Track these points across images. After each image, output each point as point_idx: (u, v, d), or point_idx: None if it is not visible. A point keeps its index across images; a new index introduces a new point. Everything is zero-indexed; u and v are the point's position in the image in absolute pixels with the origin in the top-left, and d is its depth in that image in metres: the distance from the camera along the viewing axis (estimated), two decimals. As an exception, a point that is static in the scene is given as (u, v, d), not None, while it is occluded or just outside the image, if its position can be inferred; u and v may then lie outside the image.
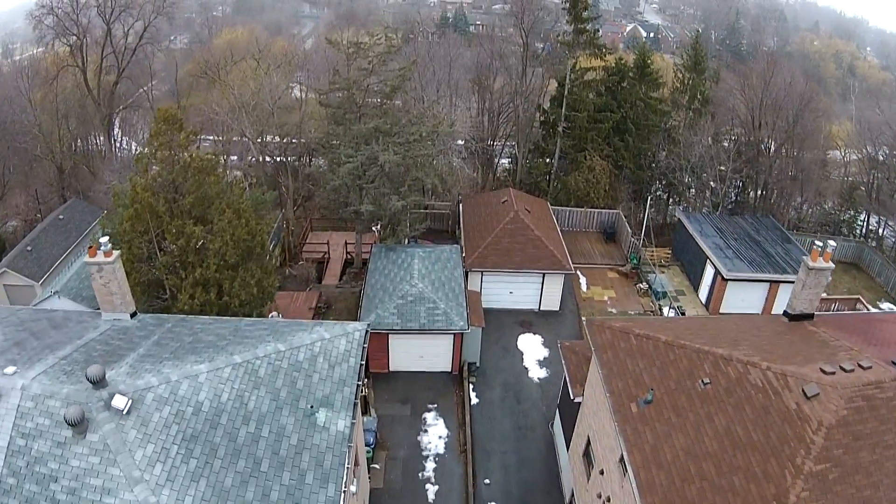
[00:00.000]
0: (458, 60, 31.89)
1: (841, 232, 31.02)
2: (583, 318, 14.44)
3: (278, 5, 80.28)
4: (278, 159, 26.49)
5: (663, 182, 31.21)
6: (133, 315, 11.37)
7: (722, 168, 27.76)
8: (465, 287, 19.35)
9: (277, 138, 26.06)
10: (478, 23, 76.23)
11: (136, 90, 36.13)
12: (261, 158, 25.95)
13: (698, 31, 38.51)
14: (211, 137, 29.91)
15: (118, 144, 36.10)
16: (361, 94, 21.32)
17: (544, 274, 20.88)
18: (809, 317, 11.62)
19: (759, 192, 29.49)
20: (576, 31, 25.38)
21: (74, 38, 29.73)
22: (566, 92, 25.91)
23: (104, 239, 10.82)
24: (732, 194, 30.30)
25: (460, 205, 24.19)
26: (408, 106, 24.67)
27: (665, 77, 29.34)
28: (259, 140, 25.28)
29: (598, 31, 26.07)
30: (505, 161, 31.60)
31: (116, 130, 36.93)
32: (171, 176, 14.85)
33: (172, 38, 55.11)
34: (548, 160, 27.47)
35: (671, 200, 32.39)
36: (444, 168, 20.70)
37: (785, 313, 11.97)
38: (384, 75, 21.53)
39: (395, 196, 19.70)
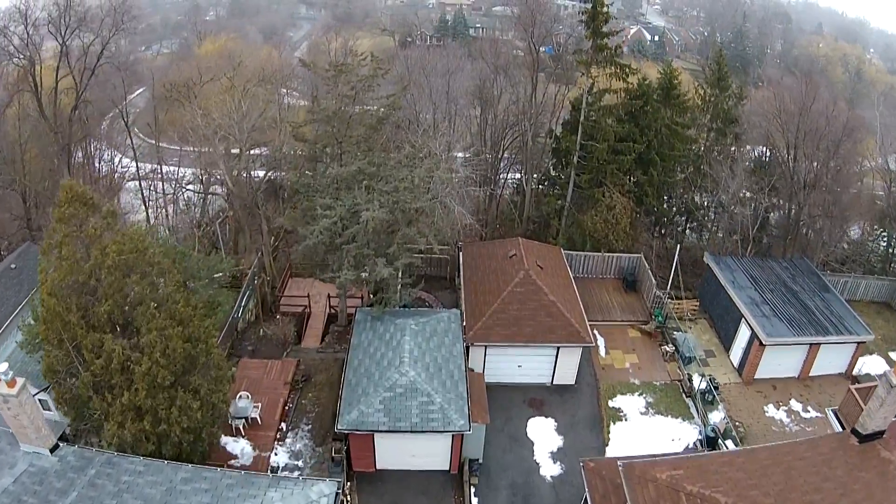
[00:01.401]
0: (458, 73, 26.92)
1: (873, 268, 26.59)
2: (621, 466, 10.20)
3: (274, 7, 73.80)
4: (261, 175, 21.65)
5: (682, 208, 26.72)
6: (54, 449, 9.55)
7: (749, 194, 23.22)
8: (466, 367, 15.12)
9: (255, 158, 21.26)
10: (478, 25, 69.93)
11: (110, 109, 31.11)
12: (235, 185, 21.16)
13: (720, 49, 33.03)
14: (192, 151, 25.11)
15: (99, 165, 31.38)
16: (343, 127, 16.67)
17: (559, 347, 16.57)
18: (880, 434, 9.79)
19: (788, 222, 24.86)
20: (595, 47, 20.43)
21: (26, 60, 24.51)
22: (582, 117, 21.11)
23: (2, 367, 8.87)
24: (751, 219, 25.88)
25: (460, 252, 19.60)
26: (400, 130, 19.88)
27: (688, 93, 24.36)
28: (233, 172, 20.63)
29: (621, 47, 21.08)
30: (511, 177, 26.81)
31: (102, 148, 32.05)
32: (80, 277, 10.46)
33: (144, 47, 49.45)
34: (557, 190, 22.81)
35: (688, 227, 27.88)
36: (442, 219, 16.06)
37: (854, 432, 10.12)
38: (370, 104, 16.85)
39: (381, 259, 15.20)
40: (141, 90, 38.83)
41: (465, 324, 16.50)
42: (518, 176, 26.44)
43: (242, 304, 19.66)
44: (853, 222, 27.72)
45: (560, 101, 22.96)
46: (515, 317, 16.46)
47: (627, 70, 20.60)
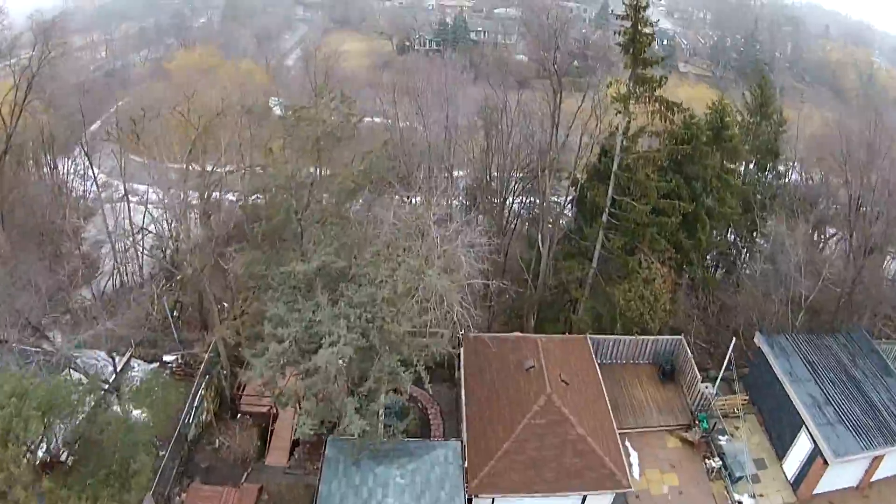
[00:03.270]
0: (460, 93, 21.03)
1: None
2: None
3: (269, 9, 65.93)
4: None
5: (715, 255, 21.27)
6: None
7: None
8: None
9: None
10: (479, 29, 62.15)
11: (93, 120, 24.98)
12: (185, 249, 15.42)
13: (763, 72, 26.65)
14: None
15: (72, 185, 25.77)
16: (304, 195, 11.30)
17: (587, 495, 11.60)
18: None
19: (843, 288, 19.40)
20: (634, 79, 14.61)
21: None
22: (615, 166, 15.46)
23: None
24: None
25: (461, 348, 14.17)
26: (384, 188, 14.31)
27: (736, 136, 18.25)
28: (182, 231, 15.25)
29: (666, 78, 15.17)
30: (522, 203, 21.05)
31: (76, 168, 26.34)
32: None
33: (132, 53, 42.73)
34: (575, 244, 17.26)
35: (718, 269, 22.45)
36: (441, 324, 10.76)
37: None
38: (338, 169, 11.42)
39: (352, 400, 10.04)
40: (112, 110, 32.65)
41: (466, 464, 11.50)
42: (527, 203, 20.81)
43: (195, 404, 14.64)
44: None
45: (590, 140, 16.93)
46: (534, 458, 11.38)
47: (675, 108, 14.82)
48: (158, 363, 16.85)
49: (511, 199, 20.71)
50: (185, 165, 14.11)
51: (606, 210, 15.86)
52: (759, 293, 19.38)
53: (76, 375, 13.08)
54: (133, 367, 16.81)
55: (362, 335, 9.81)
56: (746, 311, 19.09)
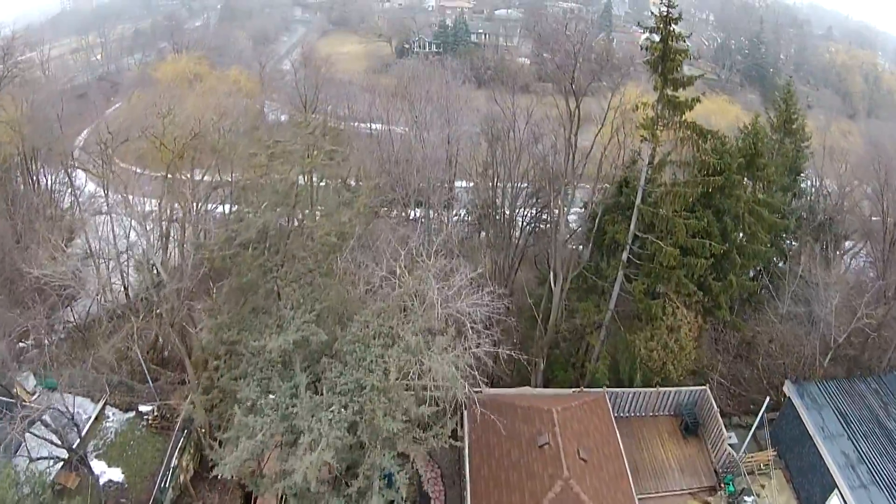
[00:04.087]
0: (463, 102, 18.81)
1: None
2: None
3: (267, 10, 62.58)
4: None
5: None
6: None
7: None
8: None
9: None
10: (480, 31, 59.03)
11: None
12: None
13: (790, 80, 24.27)
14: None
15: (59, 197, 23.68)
16: (278, 247, 9.25)
17: None
18: None
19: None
20: (663, 101, 12.40)
21: None
22: (639, 199, 13.31)
23: None
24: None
25: (464, 415, 12.07)
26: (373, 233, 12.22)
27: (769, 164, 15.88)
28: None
29: (699, 100, 12.94)
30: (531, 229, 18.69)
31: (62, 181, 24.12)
32: None
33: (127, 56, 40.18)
34: (589, 279, 15.08)
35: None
36: (442, 406, 8.80)
37: None
38: (321, 221, 9.33)
39: (338, 499, 8.09)
40: (92, 125, 30.10)
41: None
42: (536, 229, 18.61)
43: (173, 464, 12.70)
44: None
45: (612, 168, 14.74)
46: (551, 555, 9.52)
47: (707, 135, 12.63)
48: (134, 413, 15.00)
49: (520, 221, 18.51)
50: (163, 188, 12.03)
51: (627, 248, 13.74)
52: (785, 329, 17.45)
53: (35, 447, 11.16)
54: (108, 417, 14.99)
55: (349, 430, 7.82)
56: (770, 345, 17.21)
